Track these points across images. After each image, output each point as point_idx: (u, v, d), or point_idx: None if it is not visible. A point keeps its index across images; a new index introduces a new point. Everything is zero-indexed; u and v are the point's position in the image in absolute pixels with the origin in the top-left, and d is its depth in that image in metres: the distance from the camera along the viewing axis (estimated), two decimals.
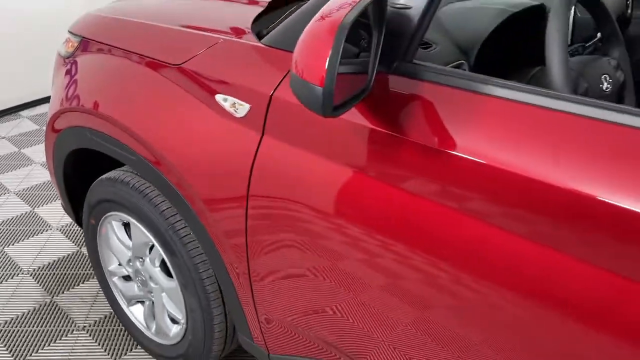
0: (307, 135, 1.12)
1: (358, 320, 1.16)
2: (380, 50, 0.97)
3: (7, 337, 1.89)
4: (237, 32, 1.37)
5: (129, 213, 1.60)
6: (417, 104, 0.98)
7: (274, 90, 1.16)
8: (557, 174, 0.83)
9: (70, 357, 1.83)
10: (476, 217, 0.92)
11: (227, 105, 1.24)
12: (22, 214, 2.56)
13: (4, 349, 1.84)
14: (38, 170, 2.94)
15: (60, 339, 1.90)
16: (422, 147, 0.95)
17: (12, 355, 1.82)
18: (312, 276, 1.20)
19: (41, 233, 2.42)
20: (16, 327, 1.94)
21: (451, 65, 1.29)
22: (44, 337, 1.91)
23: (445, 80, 0.96)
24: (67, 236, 2.36)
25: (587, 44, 1.57)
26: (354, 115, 1.04)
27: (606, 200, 0.78)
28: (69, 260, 2.20)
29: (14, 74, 3.66)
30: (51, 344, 1.88)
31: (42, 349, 1.86)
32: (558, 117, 0.85)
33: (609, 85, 1.22)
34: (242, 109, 1.22)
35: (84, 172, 1.80)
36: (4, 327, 1.94)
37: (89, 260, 2.09)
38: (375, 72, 0.96)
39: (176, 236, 1.48)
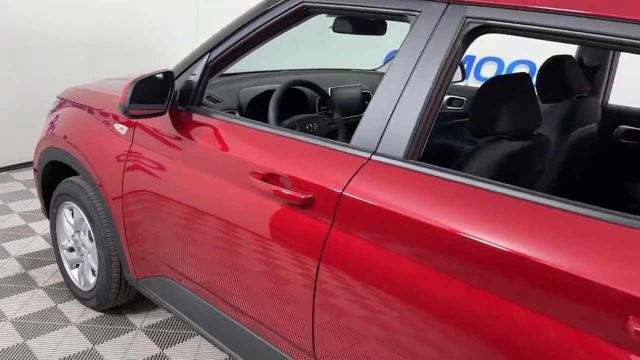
0: (166, 145, 2.15)
1: (186, 250, 2.12)
2: (174, 99, 2.04)
3: None
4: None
5: (74, 201, 2.64)
6: (199, 125, 2.03)
7: (137, 120, 2.22)
8: (264, 163, 1.86)
9: None
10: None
11: (117, 129, 2.33)
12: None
13: None
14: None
15: None
16: (196, 143, 2.00)
17: None
18: (158, 228, 2.19)
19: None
20: None
21: (227, 110, 2.36)
22: None
23: (216, 115, 1.99)
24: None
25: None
26: (168, 128, 2.09)
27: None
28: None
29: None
30: None
31: None
32: (263, 135, 1.84)
33: (313, 128, 2.28)
34: (124, 130, 2.30)
35: (52, 179, 2.86)
36: None
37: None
38: (168, 106, 2.02)
39: (95, 211, 2.50)
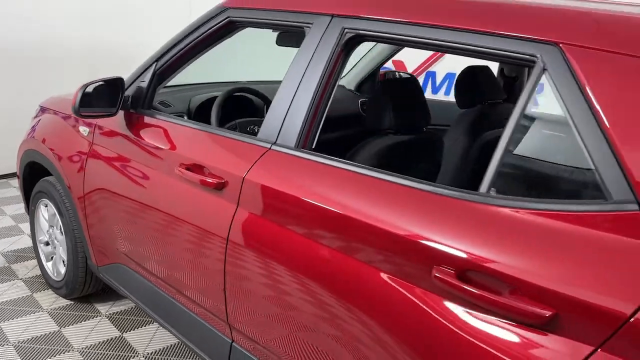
0: (119, 143, 2.41)
1: (133, 238, 2.38)
2: (127, 103, 2.31)
3: None
4: None
5: (48, 198, 2.92)
6: (146, 126, 2.29)
7: (96, 122, 2.50)
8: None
9: None
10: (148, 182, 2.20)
11: (81, 131, 2.61)
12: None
13: None
14: None
15: None
16: (142, 141, 2.27)
17: None
18: (112, 219, 2.45)
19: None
20: None
21: (177, 114, 2.63)
22: None
23: (161, 116, 2.26)
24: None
25: None
26: (121, 128, 2.36)
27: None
28: None
29: None
30: None
31: None
32: (196, 132, 2.10)
33: (253, 129, 2.54)
34: (86, 132, 2.58)
35: (32, 179, 3.15)
36: None
37: None
38: (118, 109, 2.30)
39: (64, 206, 2.78)
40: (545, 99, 1.33)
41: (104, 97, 2.27)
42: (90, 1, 5.29)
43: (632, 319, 1.01)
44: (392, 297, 1.37)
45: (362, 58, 3.42)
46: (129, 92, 2.36)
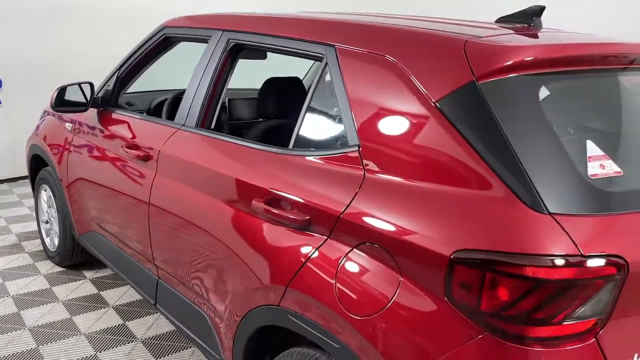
0: (90, 134, 3.10)
1: (100, 210, 3.04)
2: (97, 102, 2.99)
3: None
4: None
5: (47, 184, 3.62)
6: (110, 119, 2.95)
7: (77, 119, 3.19)
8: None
9: None
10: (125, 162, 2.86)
11: (67, 127, 3.30)
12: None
13: None
14: None
15: None
16: (106, 131, 2.93)
17: None
18: (87, 197, 3.12)
19: None
20: None
21: (138, 111, 3.27)
22: None
23: (121, 112, 2.91)
24: None
25: None
26: (92, 122, 3.03)
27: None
28: None
29: None
30: None
31: None
32: (140, 122, 2.77)
33: None
34: (69, 127, 3.27)
35: (37, 169, 3.86)
36: None
37: None
38: (88, 106, 2.97)
39: (56, 187, 3.46)
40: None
41: (78, 96, 2.95)
42: (105, 21, 6.03)
43: (342, 215, 1.57)
44: (230, 218, 1.96)
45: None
46: (100, 93, 3.03)
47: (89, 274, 3.65)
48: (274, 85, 2.59)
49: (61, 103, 2.92)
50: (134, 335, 2.94)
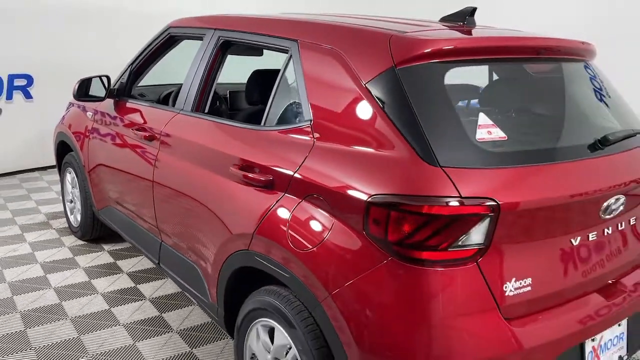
0: (108, 121, 3.57)
1: (117, 188, 3.51)
2: (113, 93, 3.45)
3: None
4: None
5: (71, 167, 4.10)
6: (124, 107, 3.40)
7: (96, 108, 3.66)
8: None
9: None
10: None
11: (88, 115, 3.77)
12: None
13: None
14: None
15: None
16: (121, 117, 3.39)
17: None
18: (104, 176, 3.58)
19: None
20: None
21: (149, 101, 3.72)
22: None
23: (134, 101, 3.36)
24: None
25: None
26: (109, 110, 3.49)
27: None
28: None
29: None
30: None
31: None
32: (149, 109, 3.23)
33: None
34: (90, 115, 3.74)
35: (63, 154, 4.35)
36: None
37: None
38: (106, 96, 3.43)
39: (79, 169, 3.94)
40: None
41: (98, 88, 3.42)
42: (121, 24, 6.57)
43: (295, 174, 1.98)
44: (213, 183, 2.39)
45: None
46: (116, 85, 3.49)
47: (106, 247, 4.12)
48: (259, 76, 3.01)
49: (82, 94, 3.40)
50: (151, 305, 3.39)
